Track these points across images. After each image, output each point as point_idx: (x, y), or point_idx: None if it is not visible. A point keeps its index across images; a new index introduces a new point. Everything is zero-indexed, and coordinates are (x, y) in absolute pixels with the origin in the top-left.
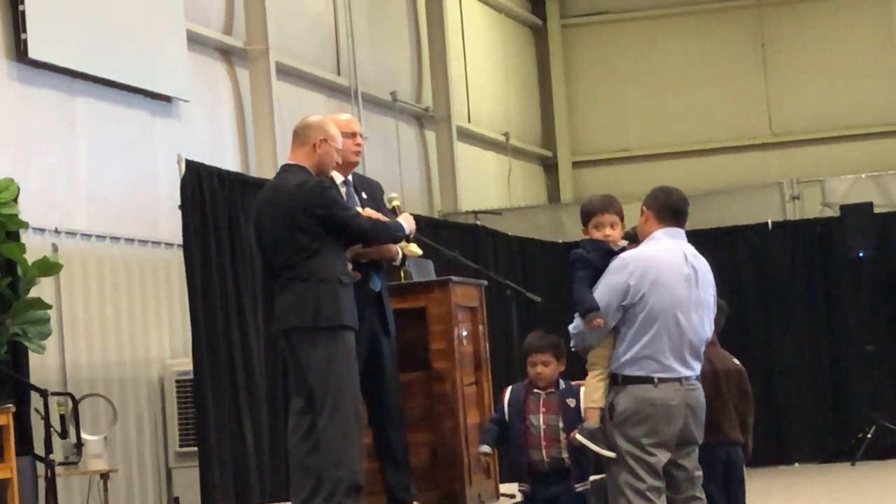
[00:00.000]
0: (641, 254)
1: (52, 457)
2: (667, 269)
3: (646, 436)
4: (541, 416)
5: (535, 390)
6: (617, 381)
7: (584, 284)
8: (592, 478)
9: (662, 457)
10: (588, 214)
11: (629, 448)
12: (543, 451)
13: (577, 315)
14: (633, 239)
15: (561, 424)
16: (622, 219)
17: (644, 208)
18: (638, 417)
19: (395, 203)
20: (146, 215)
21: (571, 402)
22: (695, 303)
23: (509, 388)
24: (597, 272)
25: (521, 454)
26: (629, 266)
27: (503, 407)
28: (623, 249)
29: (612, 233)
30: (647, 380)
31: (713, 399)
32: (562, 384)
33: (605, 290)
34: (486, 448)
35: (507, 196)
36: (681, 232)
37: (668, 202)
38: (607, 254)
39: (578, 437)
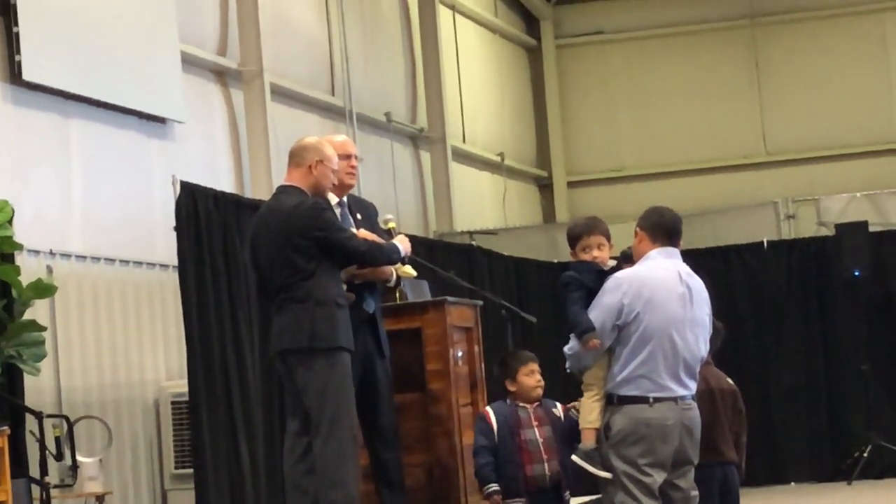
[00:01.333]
0: (635, 273)
1: (47, 479)
2: (661, 288)
3: (641, 456)
4: (535, 429)
5: (521, 405)
6: (612, 401)
7: (578, 305)
8: (586, 499)
9: (658, 477)
10: (574, 238)
11: (625, 468)
12: (546, 465)
13: (572, 336)
14: (629, 258)
15: (551, 435)
16: (609, 239)
17: (637, 229)
18: (634, 437)
19: (391, 225)
20: (141, 237)
21: (556, 411)
22: (690, 321)
23: (490, 410)
24: (590, 293)
25: (517, 470)
26: (623, 286)
27: (490, 429)
28: (614, 269)
29: (599, 254)
30: (642, 399)
31: (710, 419)
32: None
33: (599, 310)
34: (494, 486)
35: (502, 216)
36: (675, 251)
37: (661, 222)
38: (599, 274)
39: (574, 458)
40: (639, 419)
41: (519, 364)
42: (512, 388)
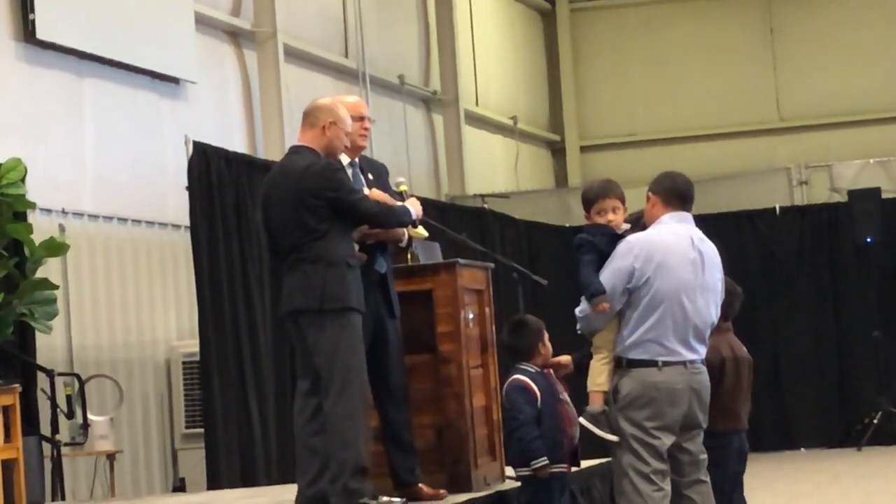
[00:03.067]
0: (647, 237)
1: (58, 437)
2: (673, 252)
3: (649, 419)
4: (566, 394)
5: (544, 371)
6: (621, 365)
7: (590, 268)
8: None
9: (666, 440)
10: (589, 201)
11: (633, 431)
12: (577, 427)
13: (583, 298)
14: (637, 222)
15: None
16: (623, 203)
17: (650, 194)
18: (642, 401)
19: (403, 188)
20: (153, 197)
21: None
22: (701, 287)
23: (529, 379)
24: (602, 256)
25: (561, 435)
26: (634, 249)
27: (535, 398)
28: (627, 233)
29: (614, 217)
30: (651, 363)
31: (734, 385)
32: None
33: (610, 273)
34: (545, 460)
35: (514, 180)
36: (688, 216)
37: (674, 187)
38: (612, 238)
39: (582, 420)
40: (647, 383)
41: (544, 329)
42: (543, 351)
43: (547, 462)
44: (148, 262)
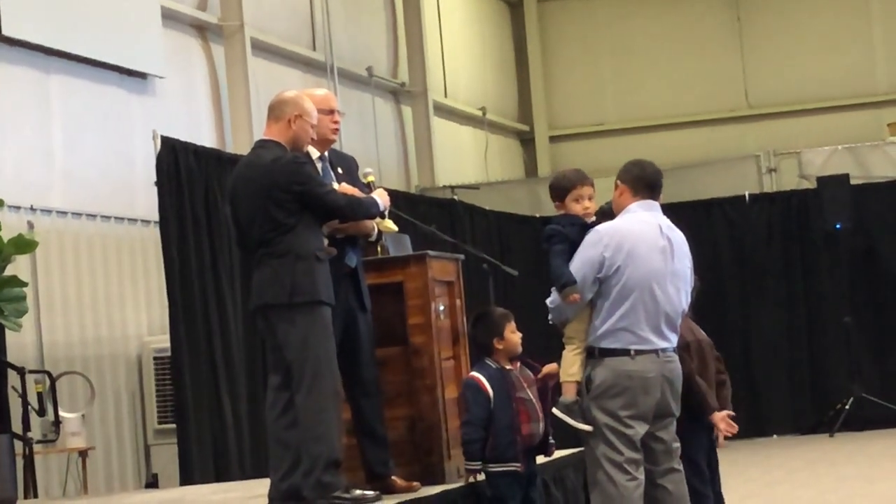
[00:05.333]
0: (616, 226)
1: (29, 435)
2: (642, 241)
3: (623, 408)
4: (527, 390)
5: (507, 367)
6: (594, 355)
7: (560, 259)
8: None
9: (640, 429)
10: (565, 189)
11: (606, 420)
12: (540, 424)
13: (553, 289)
14: (608, 214)
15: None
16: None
17: (618, 182)
18: (615, 390)
19: (370, 178)
20: (122, 192)
21: (529, 371)
22: (671, 274)
23: (481, 376)
24: (573, 246)
25: (514, 434)
26: (604, 239)
27: (486, 398)
28: (595, 223)
29: (590, 205)
30: (623, 352)
31: (702, 370)
32: None
33: (580, 263)
34: (477, 465)
35: (483, 171)
36: (656, 204)
37: (642, 175)
38: (582, 228)
39: (555, 411)
40: (620, 371)
41: (505, 321)
42: (500, 346)
43: (479, 467)
44: (118, 258)
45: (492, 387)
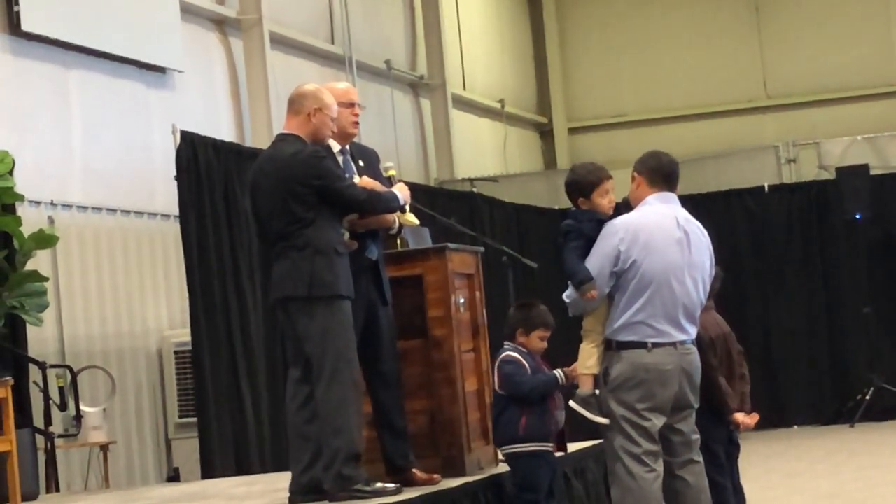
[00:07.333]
0: (631, 219)
1: (51, 429)
2: (658, 233)
3: (640, 400)
4: None
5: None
6: (611, 347)
7: (574, 255)
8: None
9: (657, 421)
10: (592, 184)
11: (624, 413)
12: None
13: (570, 284)
14: (627, 206)
15: None
16: None
17: (635, 174)
18: (632, 383)
19: (391, 172)
20: (141, 186)
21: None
22: (688, 266)
23: (520, 357)
24: (589, 242)
25: (550, 416)
26: (619, 232)
27: (526, 371)
28: (613, 216)
29: (613, 197)
30: (640, 345)
31: (728, 364)
32: None
33: (597, 257)
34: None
35: (502, 163)
36: (673, 196)
37: (659, 166)
38: (599, 223)
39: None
40: (637, 364)
41: (541, 324)
42: (521, 340)
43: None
44: (138, 252)
45: (531, 368)
